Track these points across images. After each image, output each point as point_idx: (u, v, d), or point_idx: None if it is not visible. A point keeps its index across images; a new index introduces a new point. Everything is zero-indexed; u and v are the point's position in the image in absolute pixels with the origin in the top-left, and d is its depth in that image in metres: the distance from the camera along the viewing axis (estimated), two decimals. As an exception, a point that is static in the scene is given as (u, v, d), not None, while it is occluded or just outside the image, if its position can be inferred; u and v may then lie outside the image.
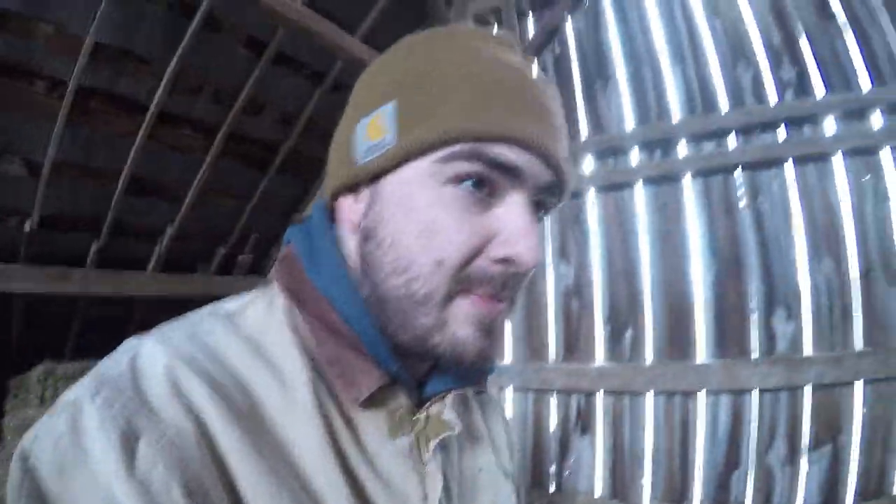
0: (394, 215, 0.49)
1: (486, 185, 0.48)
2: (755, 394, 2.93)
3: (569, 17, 3.71)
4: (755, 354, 2.97)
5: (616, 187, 3.45)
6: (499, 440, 0.69)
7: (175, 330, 0.49)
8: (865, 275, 2.86)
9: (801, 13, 3.17)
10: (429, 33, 0.54)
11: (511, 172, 0.48)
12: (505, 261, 0.47)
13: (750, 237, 3.07)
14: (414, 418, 0.53)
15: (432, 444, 0.52)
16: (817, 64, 3.12)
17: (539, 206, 0.52)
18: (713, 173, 3.18)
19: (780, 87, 3.13)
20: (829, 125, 3.05)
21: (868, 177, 2.95)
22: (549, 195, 0.52)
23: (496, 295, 0.49)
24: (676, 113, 3.34)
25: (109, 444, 0.37)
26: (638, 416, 3.24)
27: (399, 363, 0.51)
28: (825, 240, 2.94)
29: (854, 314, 2.86)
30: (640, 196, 3.40)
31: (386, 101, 0.50)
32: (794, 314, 2.94)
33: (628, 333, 3.32)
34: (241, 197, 3.86)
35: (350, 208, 0.53)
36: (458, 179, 0.47)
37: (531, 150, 0.47)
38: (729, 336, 3.07)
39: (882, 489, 2.69)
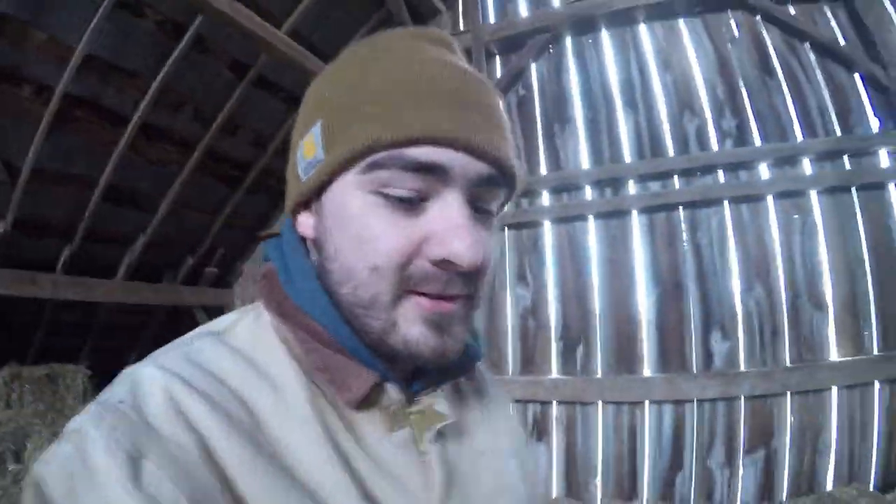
0: (333, 227, 0.50)
1: (413, 189, 0.47)
2: (695, 404, 3.27)
3: (533, 62, 4.04)
4: (695, 369, 3.33)
5: (570, 220, 3.76)
6: (498, 421, 0.68)
7: (168, 354, 0.50)
8: (793, 300, 3.25)
9: (744, 69, 3.57)
10: (359, 44, 0.55)
11: (434, 172, 0.47)
12: (443, 262, 0.47)
13: (690, 267, 3.44)
14: (408, 412, 0.54)
15: (428, 435, 0.53)
16: (755, 116, 3.50)
17: (481, 202, 0.51)
18: (658, 210, 3.53)
19: (721, 135, 3.50)
20: (764, 170, 3.42)
21: (797, 216, 3.33)
22: (490, 188, 0.50)
23: (443, 294, 0.49)
24: (627, 155, 3.68)
25: (116, 465, 0.38)
26: (590, 424, 3.54)
27: (383, 363, 0.52)
28: (757, 270, 3.31)
29: (783, 334, 3.25)
30: (591, 228, 3.72)
31: (315, 120, 0.51)
32: (729, 334, 3.31)
33: (580, 349, 3.63)
34: (211, 212, 3.98)
35: (305, 223, 0.55)
36: (384, 186, 0.47)
37: (454, 145, 0.46)
38: (671, 353, 3.42)
39: (812, 487, 3.04)
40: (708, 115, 3.57)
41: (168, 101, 3.15)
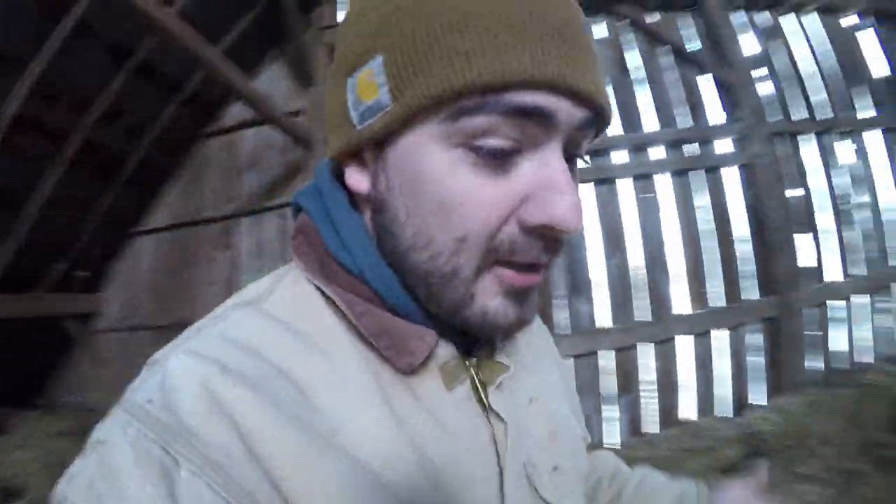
0: (404, 187, 0.43)
1: (511, 140, 0.41)
2: (570, 361, 3.69)
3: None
4: (566, 331, 3.77)
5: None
6: (545, 360, 0.65)
7: (201, 334, 0.45)
8: (648, 266, 3.87)
9: (606, 66, 4.08)
10: None
11: (538, 120, 0.40)
12: (541, 227, 0.41)
13: None
14: (468, 365, 0.50)
15: (491, 389, 0.50)
16: (618, 108, 4.04)
17: (573, 149, 0.45)
18: None
19: None
20: (620, 156, 3.98)
21: (647, 195, 3.93)
22: (586, 133, 0.44)
23: (535, 263, 0.44)
24: None
25: (147, 481, 0.35)
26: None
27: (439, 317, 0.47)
28: (614, 241, 3.88)
29: (639, 296, 3.86)
30: None
31: (373, 54, 0.42)
32: (591, 298, 3.82)
33: None
34: (82, 209, 3.70)
35: (357, 176, 0.48)
36: (474, 139, 0.40)
37: (561, 89, 0.40)
38: (542, 316, 3.79)
39: (672, 419, 3.67)
40: None
41: (46, 90, 2.94)
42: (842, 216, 4.45)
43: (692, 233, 3.99)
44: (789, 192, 4.32)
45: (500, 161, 0.41)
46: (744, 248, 4.11)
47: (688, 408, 3.73)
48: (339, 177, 0.51)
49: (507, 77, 0.38)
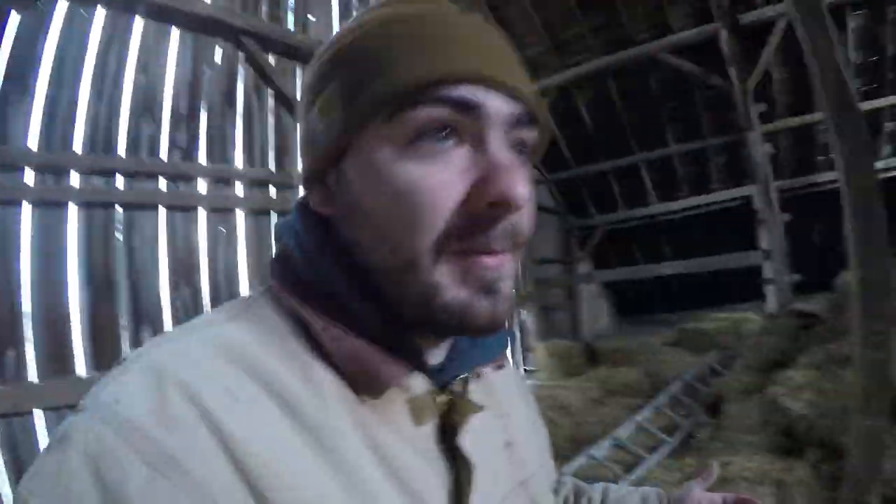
0: (360, 191, 0.47)
1: (445, 130, 0.45)
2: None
3: (17, 11, 3.40)
4: None
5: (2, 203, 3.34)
6: (518, 409, 0.67)
7: (177, 339, 0.45)
8: (214, 301, 3.96)
9: (211, 94, 4.16)
10: (356, 16, 0.53)
11: (470, 111, 0.44)
12: (492, 205, 0.44)
13: (122, 265, 3.64)
14: (438, 401, 0.51)
15: (463, 428, 0.50)
16: (207, 137, 4.13)
17: (516, 145, 0.48)
18: (98, 206, 3.57)
19: (172, 146, 3.93)
20: (202, 186, 4.05)
21: (224, 230, 4.10)
22: (522, 129, 0.48)
23: (491, 249, 0.45)
24: (79, 145, 3.56)
25: (117, 478, 0.35)
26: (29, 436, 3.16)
27: (416, 346, 0.48)
28: (185, 271, 3.87)
29: None
30: (26, 216, 3.38)
31: (330, 80, 0.48)
32: (158, 329, 3.67)
33: (11, 353, 3.22)
34: None
35: (322, 197, 0.51)
36: (414, 132, 0.44)
37: (486, 83, 0.44)
38: (104, 350, 3.50)
39: None
40: (165, 125, 3.93)
41: None
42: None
43: (264, 271, 4.28)
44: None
45: (442, 152, 0.45)
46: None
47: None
48: (310, 208, 0.53)
49: (432, 75, 0.43)
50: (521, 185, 0.43)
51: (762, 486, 3.16)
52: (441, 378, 0.51)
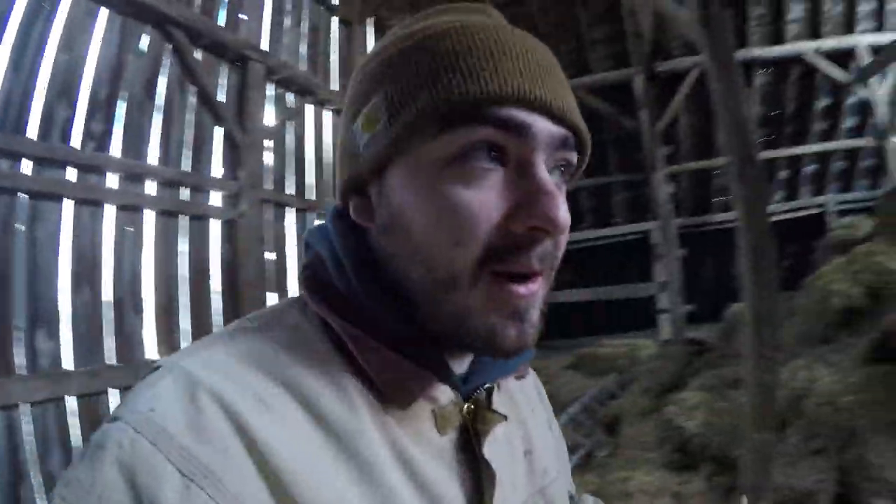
0: (402, 205, 0.47)
1: (493, 151, 0.45)
2: (26, 408, 3.09)
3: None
4: (23, 371, 3.12)
5: None
6: (538, 418, 0.67)
7: (207, 348, 0.46)
8: (117, 303, 3.67)
9: (133, 84, 3.90)
10: (404, 23, 0.53)
11: (518, 132, 0.44)
12: (533, 229, 0.44)
13: (21, 259, 3.25)
14: (462, 411, 0.52)
15: (487, 438, 0.51)
16: (123, 128, 3.85)
17: (557, 168, 0.49)
18: (1, 192, 3.19)
19: (87, 135, 3.62)
20: (113, 180, 3.75)
21: (132, 228, 3.84)
22: (566, 152, 0.48)
23: (530, 272, 0.46)
24: None
25: (153, 487, 0.35)
26: None
27: (442, 359, 0.49)
28: (87, 271, 3.55)
29: (107, 334, 3.59)
30: None
31: (375, 93, 0.48)
32: (54, 333, 3.33)
33: None
34: None
35: (360, 208, 0.51)
36: (460, 151, 0.44)
37: (536, 105, 0.44)
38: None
39: None
40: (82, 111, 3.61)
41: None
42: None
43: (170, 277, 4.07)
44: (267, 255, 4.96)
45: (487, 172, 0.45)
46: (217, 300, 4.43)
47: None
48: (346, 218, 0.53)
49: (482, 95, 0.43)
50: (563, 211, 0.44)
51: (661, 499, 3.50)
52: (465, 388, 0.52)
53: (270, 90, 5.21)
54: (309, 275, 0.53)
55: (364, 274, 0.49)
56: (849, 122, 7.99)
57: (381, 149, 0.46)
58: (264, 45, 5.14)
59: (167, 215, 4.13)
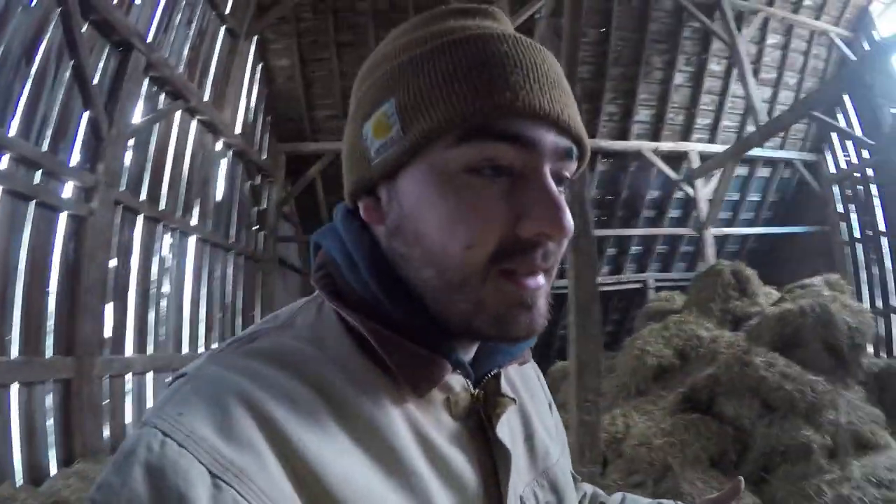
0: (415, 209, 0.49)
1: (501, 164, 0.47)
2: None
3: None
4: None
5: None
6: (539, 402, 0.70)
7: (230, 351, 0.48)
8: None
9: (9, 44, 3.41)
10: (410, 25, 0.54)
11: (525, 144, 0.47)
12: (539, 234, 0.47)
13: None
14: (473, 397, 0.54)
15: (500, 420, 0.54)
16: None
17: (559, 175, 0.51)
18: None
19: None
20: None
21: None
22: (568, 162, 0.51)
23: (535, 270, 0.49)
24: None
25: (176, 491, 0.35)
26: None
27: (453, 347, 0.51)
28: None
29: None
30: None
31: (385, 100, 0.50)
32: None
33: None
34: None
35: (370, 208, 0.53)
36: (473, 163, 0.47)
37: (541, 118, 0.47)
38: None
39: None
40: None
41: None
42: (152, 298, 4.90)
43: (7, 266, 3.51)
44: (112, 262, 4.47)
45: (497, 181, 0.47)
46: (52, 302, 3.88)
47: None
48: (356, 218, 0.55)
49: (496, 109, 0.45)
50: (567, 217, 0.47)
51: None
52: (473, 375, 0.54)
53: (145, 86, 4.84)
54: (324, 274, 0.55)
55: (378, 272, 0.51)
56: (673, 213, 9.33)
57: (394, 155, 0.49)
58: (150, 37, 4.77)
59: (16, 197, 3.56)
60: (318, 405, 0.44)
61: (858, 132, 8.02)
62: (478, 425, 0.54)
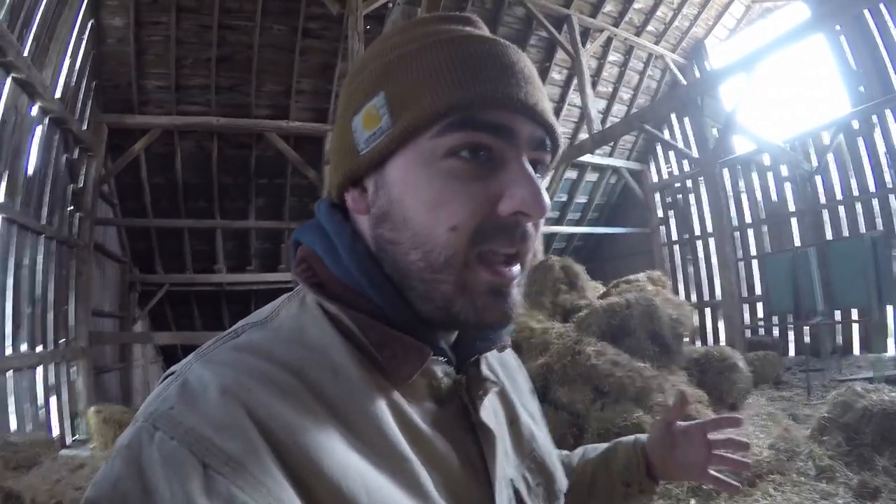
0: (402, 195, 0.52)
1: (483, 151, 0.51)
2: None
3: None
4: None
5: None
6: (520, 388, 0.73)
7: (215, 348, 0.49)
8: None
9: None
10: (398, 28, 0.59)
11: (504, 133, 0.51)
12: (517, 213, 0.51)
13: None
14: (455, 383, 0.56)
15: (483, 402, 0.57)
16: None
17: (534, 164, 0.55)
18: None
19: None
20: None
21: None
22: (542, 152, 0.55)
23: (513, 247, 0.52)
24: None
25: (175, 481, 0.37)
26: None
27: (434, 334, 0.55)
28: None
29: None
30: None
31: (375, 93, 0.54)
32: None
33: None
34: None
35: (357, 198, 0.56)
36: (456, 150, 0.51)
37: (518, 110, 0.52)
38: None
39: None
40: None
41: None
42: None
43: None
44: None
45: (479, 166, 0.51)
46: None
47: None
48: (340, 211, 0.59)
49: (477, 99, 0.50)
50: (543, 197, 0.51)
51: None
52: (455, 361, 0.58)
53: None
54: (306, 267, 0.57)
55: (360, 260, 0.54)
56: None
57: (383, 143, 0.53)
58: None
59: None
60: (304, 394, 0.45)
61: (682, 145, 9.15)
62: (461, 410, 0.56)
